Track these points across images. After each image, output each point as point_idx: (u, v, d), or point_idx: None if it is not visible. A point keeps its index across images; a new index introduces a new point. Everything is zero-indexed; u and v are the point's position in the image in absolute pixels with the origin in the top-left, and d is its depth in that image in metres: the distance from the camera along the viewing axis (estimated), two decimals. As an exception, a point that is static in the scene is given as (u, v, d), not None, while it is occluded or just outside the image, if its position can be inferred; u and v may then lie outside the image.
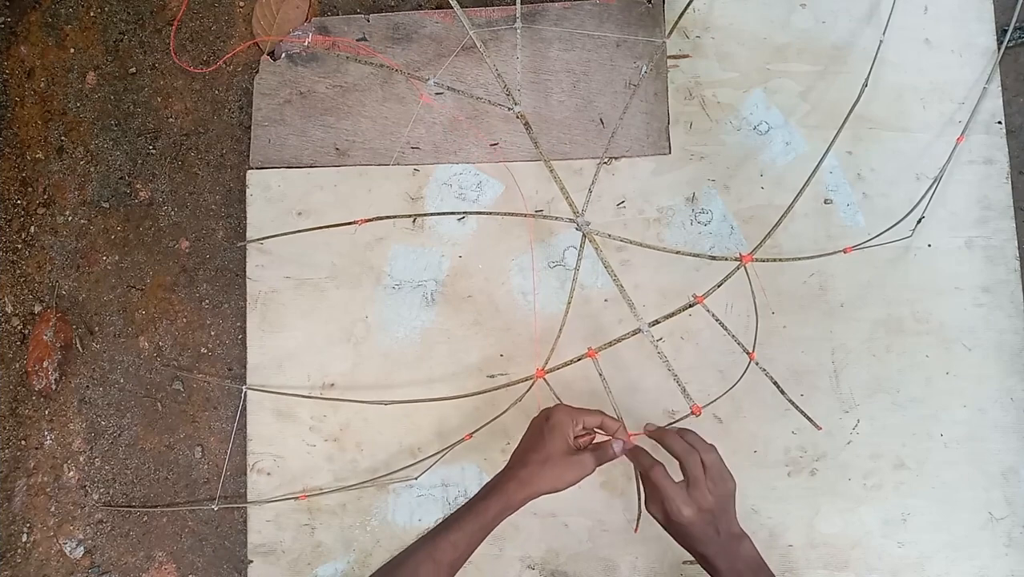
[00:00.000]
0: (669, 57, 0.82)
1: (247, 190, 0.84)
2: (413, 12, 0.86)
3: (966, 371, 0.77)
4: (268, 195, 0.84)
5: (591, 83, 0.83)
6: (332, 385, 0.82)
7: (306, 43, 0.85)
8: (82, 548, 0.86)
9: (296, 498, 0.80)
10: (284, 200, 0.84)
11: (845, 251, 0.74)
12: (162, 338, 0.87)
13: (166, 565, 0.85)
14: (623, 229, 0.81)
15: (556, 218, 0.75)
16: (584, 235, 0.72)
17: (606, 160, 0.81)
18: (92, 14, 0.92)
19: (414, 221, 0.83)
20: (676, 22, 0.81)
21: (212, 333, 0.87)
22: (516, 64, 0.80)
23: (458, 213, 0.81)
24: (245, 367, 0.83)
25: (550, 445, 0.64)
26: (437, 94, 0.84)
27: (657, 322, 0.69)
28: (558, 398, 0.74)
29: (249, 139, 0.86)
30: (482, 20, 0.84)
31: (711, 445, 0.64)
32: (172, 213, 0.89)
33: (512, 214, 0.78)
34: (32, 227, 0.91)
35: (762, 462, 0.78)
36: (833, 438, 0.77)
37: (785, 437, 0.78)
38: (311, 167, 0.84)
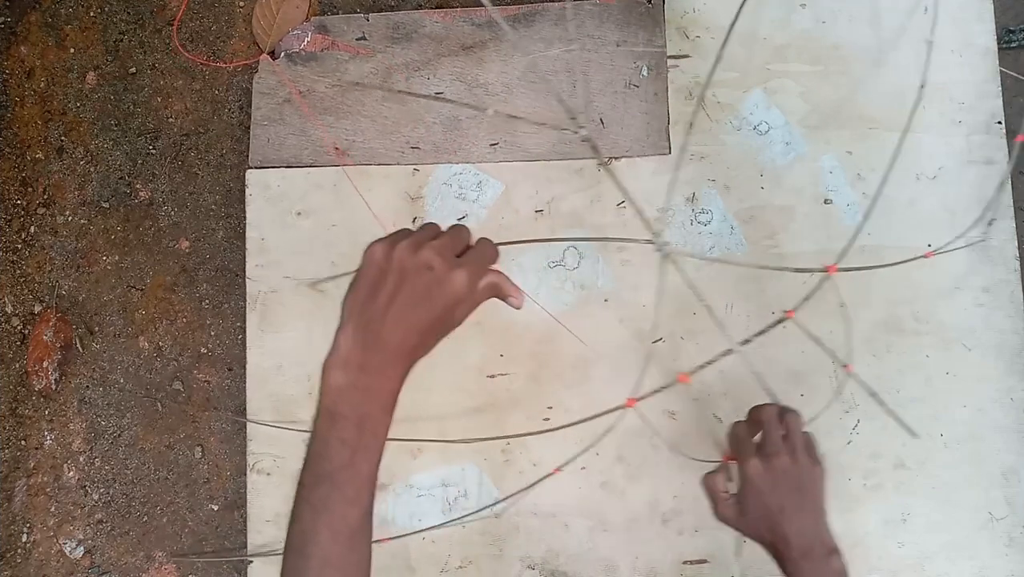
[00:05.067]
0: (669, 57, 0.82)
1: (247, 190, 0.84)
2: (413, 12, 0.86)
3: (966, 371, 0.77)
4: (268, 195, 0.84)
5: (591, 83, 0.83)
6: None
7: (303, 43, 0.85)
8: (82, 548, 0.87)
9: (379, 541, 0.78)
10: (284, 200, 0.84)
11: (927, 256, 0.73)
12: (162, 338, 0.87)
13: (166, 565, 0.85)
14: (623, 229, 0.81)
15: (631, 240, 0.73)
16: (665, 255, 0.66)
17: (606, 160, 0.81)
18: (92, 14, 0.92)
19: (414, 221, 0.83)
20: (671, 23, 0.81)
21: (212, 333, 0.87)
22: (514, 63, 0.80)
23: (559, 240, 0.77)
24: (245, 367, 0.83)
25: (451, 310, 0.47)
26: (437, 94, 0.84)
27: (748, 341, 0.66)
28: (655, 431, 0.70)
29: (249, 139, 0.86)
30: (482, 20, 0.84)
31: (796, 411, 0.59)
32: (172, 213, 0.89)
33: (589, 240, 0.76)
34: (32, 227, 0.91)
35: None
36: (833, 438, 0.77)
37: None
38: (311, 167, 0.84)
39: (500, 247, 0.54)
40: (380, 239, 0.47)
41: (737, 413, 0.78)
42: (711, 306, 0.66)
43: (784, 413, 0.60)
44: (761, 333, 0.65)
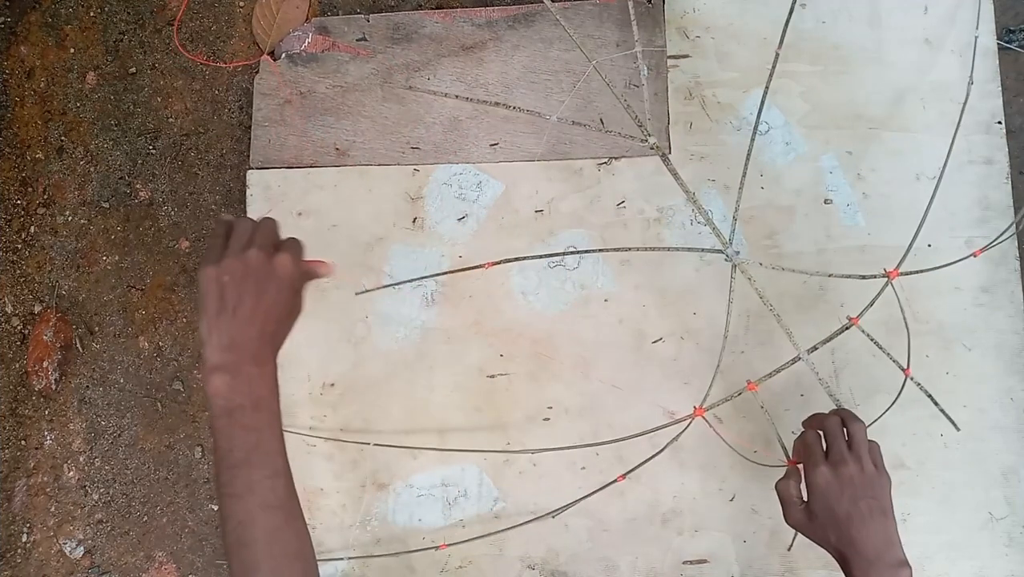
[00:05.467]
0: (669, 57, 0.82)
1: (247, 190, 0.84)
2: (413, 12, 0.86)
3: (966, 371, 0.77)
4: (268, 195, 0.84)
5: (591, 83, 0.83)
6: (332, 385, 0.82)
7: (304, 44, 0.85)
8: (82, 548, 0.87)
9: (436, 548, 0.79)
10: (284, 200, 0.84)
11: (975, 255, 0.73)
12: (162, 338, 0.87)
13: (166, 565, 0.85)
14: (623, 229, 0.81)
15: (702, 250, 0.73)
16: (735, 266, 0.68)
17: (606, 160, 0.82)
18: (92, 14, 0.92)
19: (414, 221, 0.83)
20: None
21: (212, 333, 0.87)
22: (514, 64, 0.80)
23: (624, 248, 0.78)
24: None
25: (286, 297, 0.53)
26: (444, 95, 0.84)
27: (815, 348, 0.67)
28: (723, 438, 0.71)
29: (249, 139, 0.86)
30: (482, 20, 0.84)
31: (859, 419, 0.61)
32: (172, 213, 0.89)
33: (650, 249, 0.77)
34: (32, 227, 0.91)
35: (762, 462, 0.78)
36: (833, 438, 0.77)
37: (785, 437, 0.78)
38: (311, 167, 0.84)
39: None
40: (205, 262, 0.52)
41: (740, 412, 0.78)
42: (779, 314, 0.67)
43: (848, 422, 0.61)
44: (827, 341, 0.66)
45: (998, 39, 0.80)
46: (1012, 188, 0.78)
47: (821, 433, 0.62)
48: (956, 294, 0.78)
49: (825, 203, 0.80)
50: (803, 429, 0.64)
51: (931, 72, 0.80)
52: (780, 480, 0.63)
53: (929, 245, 0.78)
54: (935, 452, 0.77)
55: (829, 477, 0.58)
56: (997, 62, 0.80)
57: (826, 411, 0.65)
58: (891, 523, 0.58)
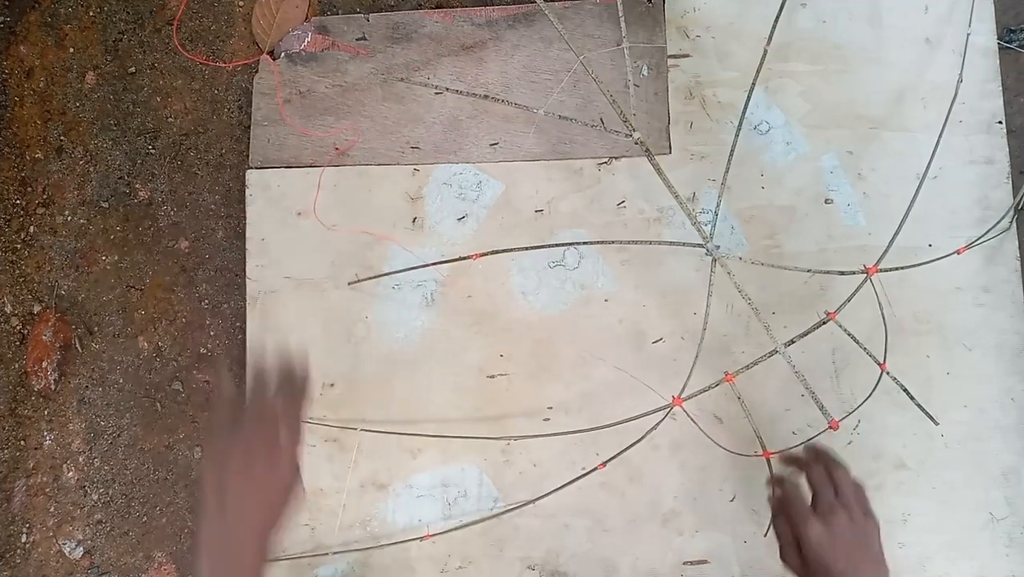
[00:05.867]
0: (669, 56, 0.82)
1: (247, 190, 0.84)
2: (413, 12, 0.86)
3: (966, 371, 0.77)
4: (268, 195, 0.84)
5: (591, 83, 0.82)
6: (332, 385, 0.82)
7: (304, 44, 0.85)
8: (81, 548, 0.86)
9: (420, 539, 0.78)
10: (284, 200, 0.84)
11: (959, 252, 0.73)
12: (161, 338, 0.87)
13: (165, 566, 0.85)
14: (623, 229, 0.81)
15: (683, 244, 0.72)
16: (715, 260, 0.69)
17: (606, 160, 0.81)
18: (91, 14, 0.92)
19: (414, 221, 0.83)
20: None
21: (212, 333, 0.87)
22: (514, 63, 0.80)
23: (616, 241, 0.78)
24: (245, 367, 0.83)
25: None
26: (436, 93, 0.84)
27: (792, 342, 0.67)
28: (699, 427, 0.71)
29: (249, 139, 0.86)
30: (482, 20, 0.84)
31: (842, 464, 0.61)
32: (171, 213, 0.89)
33: (628, 242, 0.78)
34: (31, 227, 0.91)
35: (763, 463, 0.78)
36: (834, 438, 0.77)
37: (786, 437, 0.78)
38: (311, 167, 0.84)
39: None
40: (208, 453, 0.52)
41: (740, 413, 0.78)
42: (757, 308, 0.68)
43: (831, 469, 0.61)
44: (804, 335, 0.66)
45: (999, 39, 0.80)
46: (1013, 188, 0.78)
47: (803, 472, 0.63)
48: (957, 294, 0.78)
49: (826, 203, 0.80)
50: (780, 477, 0.64)
51: (931, 72, 0.80)
52: (778, 519, 0.62)
53: (930, 245, 0.78)
54: (936, 452, 0.77)
55: (820, 531, 0.58)
56: (998, 62, 0.79)
57: (818, 410, 0.65)
58: (882, 569, 0.59)
